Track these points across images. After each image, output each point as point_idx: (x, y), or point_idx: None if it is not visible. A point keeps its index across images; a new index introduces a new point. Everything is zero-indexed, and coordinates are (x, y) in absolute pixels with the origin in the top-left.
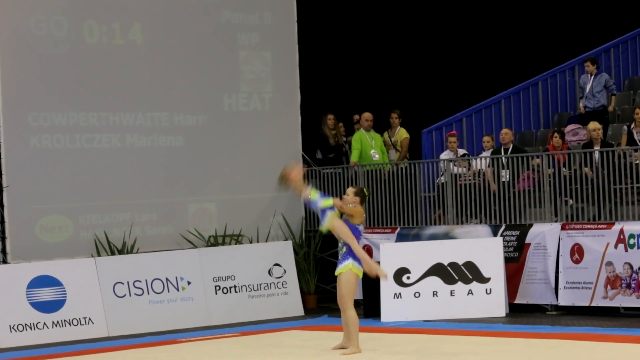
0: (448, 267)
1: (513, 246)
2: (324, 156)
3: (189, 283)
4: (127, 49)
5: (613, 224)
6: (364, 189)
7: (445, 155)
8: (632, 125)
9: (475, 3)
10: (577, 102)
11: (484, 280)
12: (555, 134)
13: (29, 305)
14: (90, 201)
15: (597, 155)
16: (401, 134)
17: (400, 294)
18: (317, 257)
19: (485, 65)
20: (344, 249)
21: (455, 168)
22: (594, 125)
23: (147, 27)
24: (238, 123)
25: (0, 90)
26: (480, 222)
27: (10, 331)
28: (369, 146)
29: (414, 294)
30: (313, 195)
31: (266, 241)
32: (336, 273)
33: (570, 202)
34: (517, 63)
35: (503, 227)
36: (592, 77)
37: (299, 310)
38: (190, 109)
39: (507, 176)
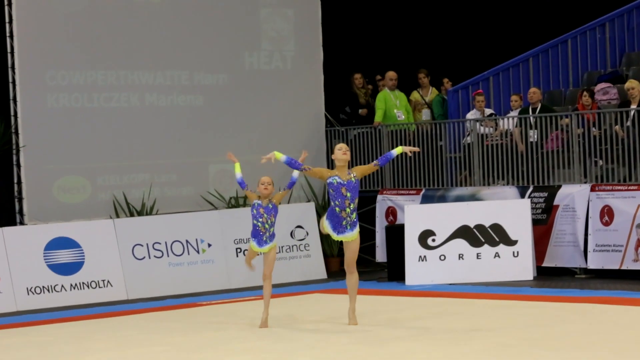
0: (474, 230)
1: (541, 208)
2: (355, 113)
3: (209, 245)
4: (146, 6)
5: None
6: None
7: (471, 115)
8: None
9: None
10: (607, 60)
11: (511, 242)
12: (585, 93)
13: (46, 267)
14: (108, 161)
15: (632, 114)
16: (434, 93)
17: (425, 256)
18: None
19: (513, 22)
20: (354, 215)
21: (482, 128)
22: (630, 83)
23: None
24: (259, 82)
25: (17, 48)
26: (508, 183)
27: (28, 294)
28: (393, 106)
29: (439, 257)
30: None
31: (288, 203)
32: (350, 238)
33: (600, 162)
34: (546, 20)
35: (531, 189)
36: None
37: (322, 273)
38: (210, 68)
39: (535, 136)
